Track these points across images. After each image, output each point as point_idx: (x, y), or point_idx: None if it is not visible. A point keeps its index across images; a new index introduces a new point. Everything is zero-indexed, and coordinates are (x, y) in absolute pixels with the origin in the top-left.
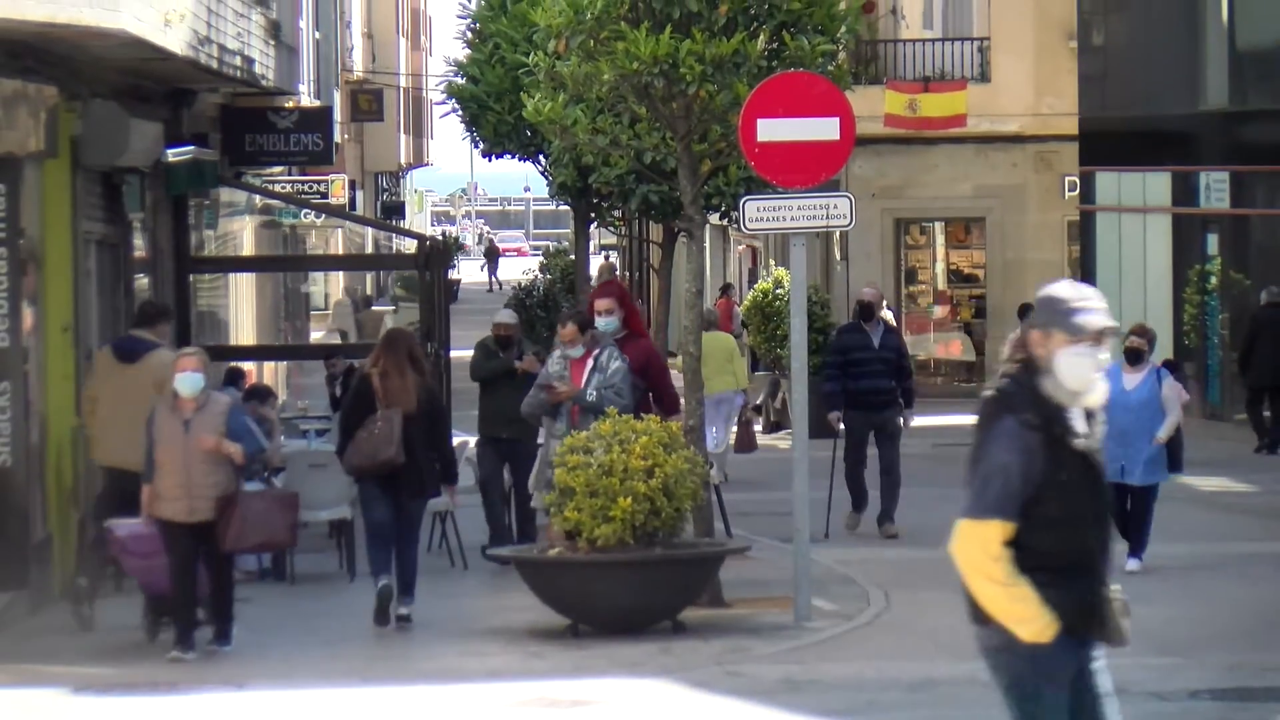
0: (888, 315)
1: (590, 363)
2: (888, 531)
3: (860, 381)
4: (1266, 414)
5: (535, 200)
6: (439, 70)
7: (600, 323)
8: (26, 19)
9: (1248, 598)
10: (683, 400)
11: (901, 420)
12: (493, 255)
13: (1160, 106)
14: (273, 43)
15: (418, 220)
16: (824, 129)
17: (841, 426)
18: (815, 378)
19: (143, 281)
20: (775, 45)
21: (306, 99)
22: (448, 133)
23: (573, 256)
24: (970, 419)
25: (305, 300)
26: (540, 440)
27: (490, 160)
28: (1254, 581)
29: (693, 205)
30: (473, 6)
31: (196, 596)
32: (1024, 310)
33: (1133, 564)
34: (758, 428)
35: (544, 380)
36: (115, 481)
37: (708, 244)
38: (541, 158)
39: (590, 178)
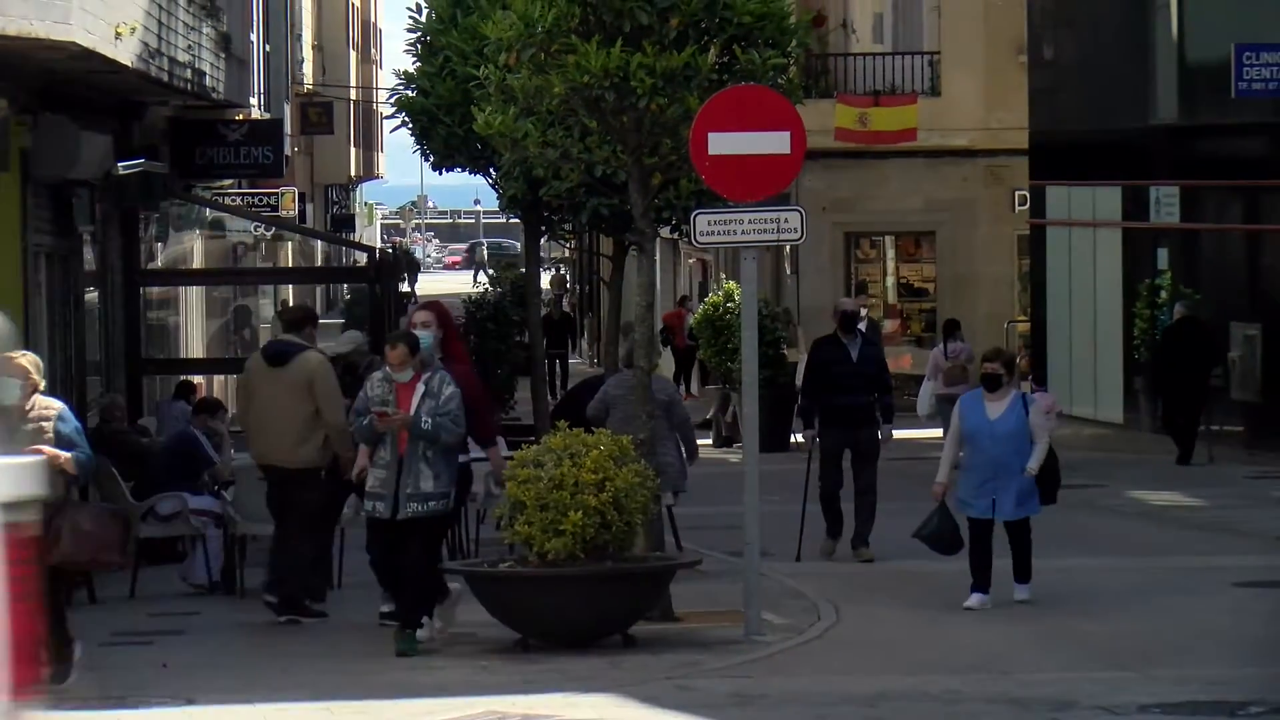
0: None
1: (420, 387)
2: (862, 555)
3: (837, 397)
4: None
5: (485, 213)
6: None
7: (422, 337)
8: None
9: (1197, 612)
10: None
11: (880, 437)
12: (413, 268)
13: (1110, 121)
14: (223, 55)
15: (368, 233)
16: (775, 143)
17: (815, 444)
18: (764, 391)
19: (92, 295)
20: (726, 59)
21: (257, 112)
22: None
23: (523, 270)
24: (919, 433)
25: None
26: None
27: (440, 173)
28: (1203, 596)
29: (644, 218)
30: (423, 18)
31: (57, 614)
32: (950, 327)
33: (1021, 592)
34: (707, 441)
35: (364, 405)
36: (270, 478)
37: (659, 257)
38: (492, 170)
39: (541, 191)
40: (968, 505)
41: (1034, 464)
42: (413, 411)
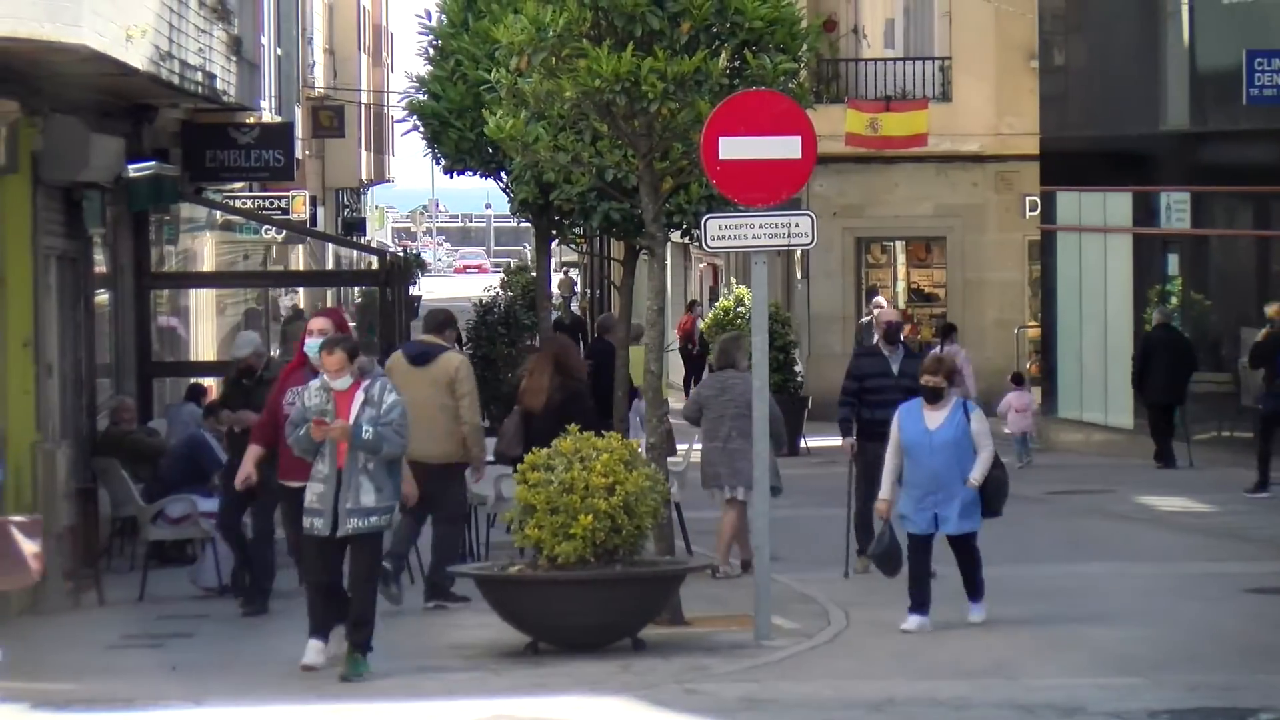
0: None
1: (360, 395)
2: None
3: (876, 411)
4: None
5: (496, 217)
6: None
7: (309, 344)
8: None
9: (1206, 618)
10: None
11: None
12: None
13: (1121, 127)
14: (234, 58)
15: (379, 237)
16: (785, 147)
17: (854, 454)
18: (777, 395)
19: (102, 297)
20: (737, 64)
21: (268, 115)
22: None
23: (534, 274)
24: None
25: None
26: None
27: (451, 177)
28: (1212, 602)
29: (654, 223)
30: (434, 23)
31: None
32: (946, 330)
33: (976, 612)
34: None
35: (300, 416)
36: (416, 474)
37: (669, 262)
38: (503, 174)
39: (551, 195)
40: (908, 520)
41: (976, 475)
42: (352, 421)
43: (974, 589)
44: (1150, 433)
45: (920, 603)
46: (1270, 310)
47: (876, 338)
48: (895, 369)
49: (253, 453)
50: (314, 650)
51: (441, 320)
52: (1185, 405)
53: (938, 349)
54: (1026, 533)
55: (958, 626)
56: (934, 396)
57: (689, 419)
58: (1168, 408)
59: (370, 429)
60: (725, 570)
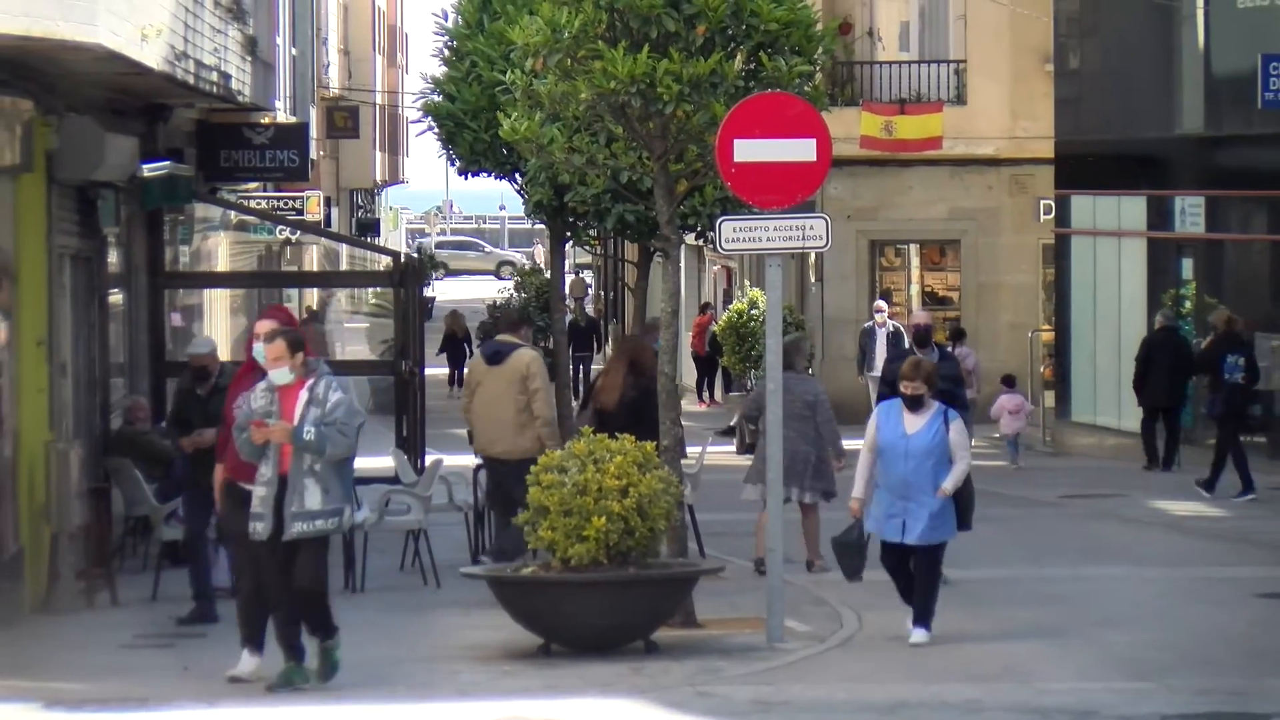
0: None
1: (304, 394)
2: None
3: None
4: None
5: (510, 218)
6: (415, 87)
7: (257, 349)
8: (1, 32)
9: (1219, 622)
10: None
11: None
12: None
13: (1136, 131)
14: (249, 58)
15: (393, 237)
16: (800, 150)
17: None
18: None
19: (116, 296)
20: (752, 66)
21: (282, 115)
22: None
23: (547, 275)
24: None
25: None
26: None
27: (466, 178)
28: (1225, 606)
29: (669, 225)
30: (449, 24)
31: None
32: (957, 334)
33: (919, 635)
34: (732, 448)
35: (245, 419)
36: (492, 469)
37: (683, 264)
38: (517, 176)
39: (566, 196)
40: (879, 526)
41: (948, 483)
42: (296, 421)
43: (921, 609)
44: (1141, 436)
45: (920, 616)
46: (1215, 318)
47: (878, 342)
48: None
49: (221, 475)
50: (246, 661)
51: (516, 319)
52: (1183, 408)
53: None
54: (1039, 536)
55: (970, 631)
56: (913, 403)
57: (748, 418)
58: (1166, 411)
59: (313, 429)
60: (821, 564)
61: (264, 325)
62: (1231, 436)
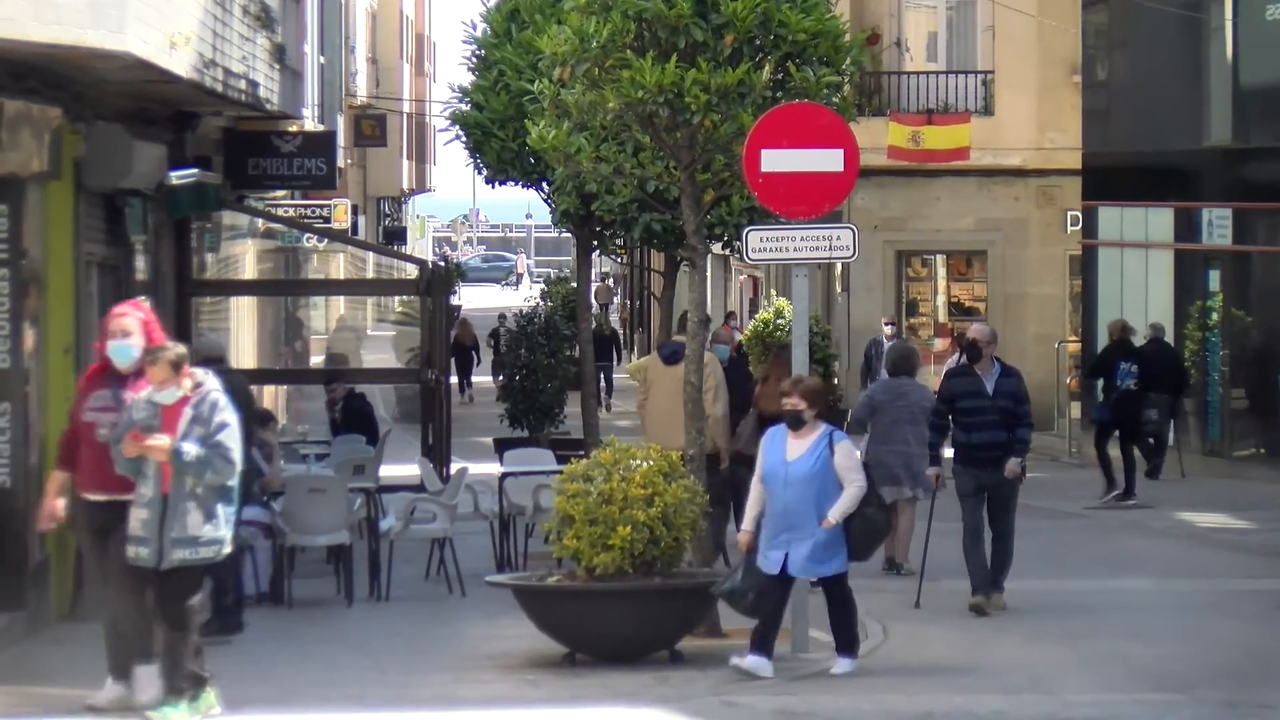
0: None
1: (189, 410)
2: (996, 603)
3: (972, 435)
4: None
5: (537, 227)
6: (443, 96)
7: (112, 347)
8: (30, 40)
9: (1244, 635)
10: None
11: (1006, 472)
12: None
13: (1163, 142)
14: (277, 67)
15: (420, 246)
16: (828, 160)
17: (941, 484)
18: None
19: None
20: (780, 76)
21: (310, 123)
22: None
23: (574, 284)
24: None
25: (300, 325)
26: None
27: (493, 187)
28: (1251, 619)
29: (695, 235)
30: (478, 33)
31: None
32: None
33: (840, 666)
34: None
35: (119, 433)
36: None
37: (710, 273)
38: (544, 185)
39: (593, 206)
40: (763, 557)
41: (834, 514)
42: (177, 438)
43: (840, 639)
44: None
45: (763, 646)
46: (1111, 325)
47: (885, 360)
48: (990, 388)
49: (55, 481)
50: (109, 690)
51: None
52: (1177, 419)
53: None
54: (1064, 548)
55: (994, 641)
56: (793, 422)
57: (858, 420)
58: (1160, 421)
59: (193, 450)
60: (909, 567)
61: (120, 323)
62: (1124, 442)
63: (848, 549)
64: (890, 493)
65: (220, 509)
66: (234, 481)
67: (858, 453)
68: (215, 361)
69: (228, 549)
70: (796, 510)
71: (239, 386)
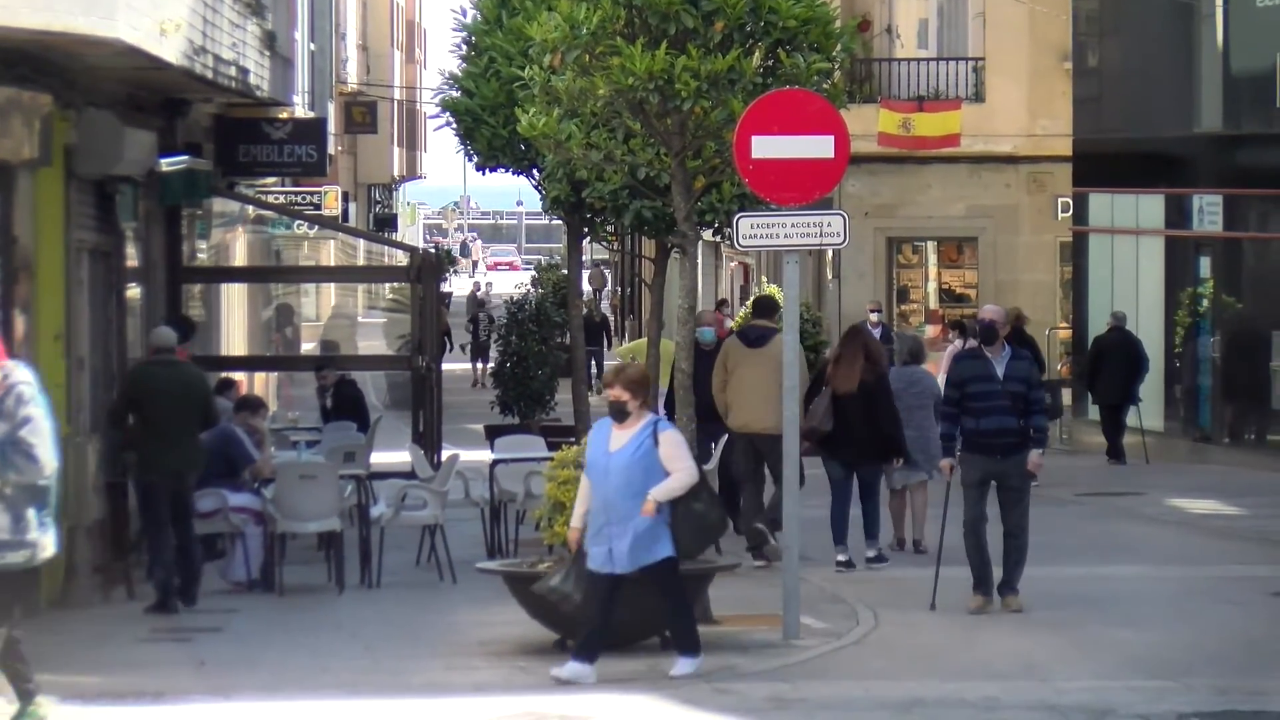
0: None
1: None
2: (1010, 605)
3: (981, 420)
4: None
5: (528, 214)
6: (433, 83)
7: None
8: (21, 26)
9: (1236, 621)
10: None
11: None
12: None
13: (1154, 129)
14: (268, 53)
15: (410, 233)
16: (818, 147)
17: (954, 475)
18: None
19: (134, 291)
20: (771, 63)
21: (300, 110)
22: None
23: (565, 271)
24: None
25: (290, 311)
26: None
27: (483, 174)
28: (1243, 605)
29: (686, 221)
30: (468, 20)
31: None
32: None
33: (682, 666)
34: None
35: None
36: (747, 443)
37: (700, 260)
38: (535, 172)
39: (584, 192)
40: (588, 552)
41: (656, 492)
42: None
43: (676, 637)
44: (1103, 430)
45: (585, 649)
46: (1009, 310)
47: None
48: (1000, 372)
49: None
50: None
51: (770, 305)
52: (1137, 404)
53: (956, 345)
54: (1056, 535)
55: (986, 627)
56: (617, 414)
57: None
58: (1116, 407)
59: None
60: (925, 546)
61: None
62: None
63: (675, 545)
64: (901, 477)
65: (31, 512)
66: (46, 481)
67: (685, 444)
68: (163, 352)
69: (45, 553)
70: (616, 503)
71: (194, 378)
